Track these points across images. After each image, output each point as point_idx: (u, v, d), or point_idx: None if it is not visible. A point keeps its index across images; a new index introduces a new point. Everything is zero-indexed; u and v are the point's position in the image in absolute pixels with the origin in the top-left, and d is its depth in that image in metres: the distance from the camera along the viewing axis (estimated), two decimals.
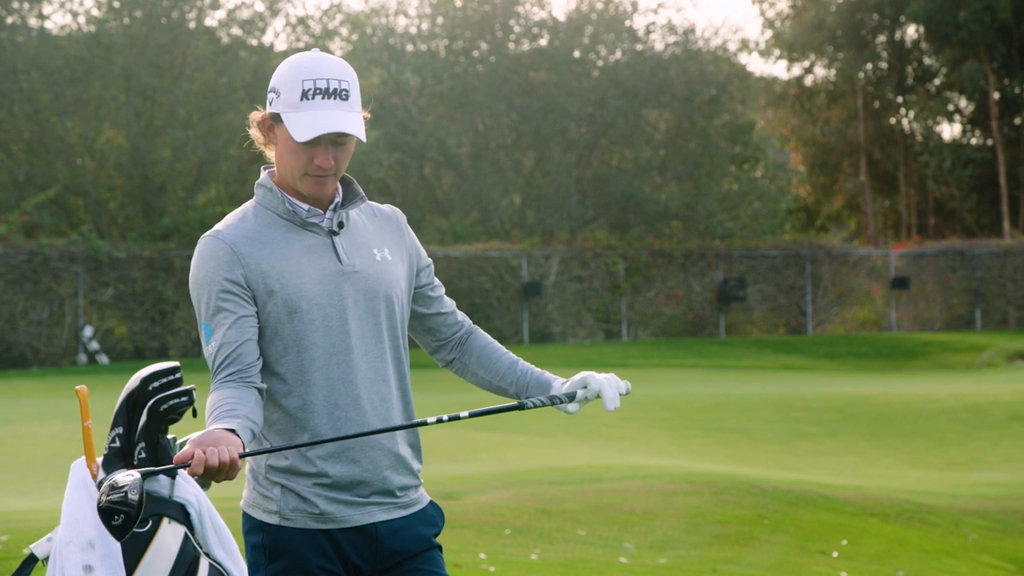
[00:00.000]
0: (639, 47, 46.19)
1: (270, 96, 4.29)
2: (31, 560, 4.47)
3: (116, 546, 4.29)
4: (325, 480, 4.23)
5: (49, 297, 34.55)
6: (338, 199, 4.36)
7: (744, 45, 54.24)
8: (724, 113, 46.81)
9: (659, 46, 46.58)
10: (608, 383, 4.36)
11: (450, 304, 4.55)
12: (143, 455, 4.38)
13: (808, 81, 58.29)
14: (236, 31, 40.12)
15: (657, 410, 21.90)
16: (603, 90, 44.73)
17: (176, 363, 4.48)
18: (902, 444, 19.87)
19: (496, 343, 4.55)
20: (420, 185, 45.99)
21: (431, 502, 4.42)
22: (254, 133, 4.36)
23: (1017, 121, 55.27)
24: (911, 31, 56.60)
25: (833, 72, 57.56)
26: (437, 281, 4.55)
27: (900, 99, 57.05)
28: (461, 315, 4.58)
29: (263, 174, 4.36)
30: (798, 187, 56.34)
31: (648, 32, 46.54)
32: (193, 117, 38.91)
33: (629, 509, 12.72)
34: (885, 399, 23.24)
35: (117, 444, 4.40)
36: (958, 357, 35.83)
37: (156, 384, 4.42)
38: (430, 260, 4.54)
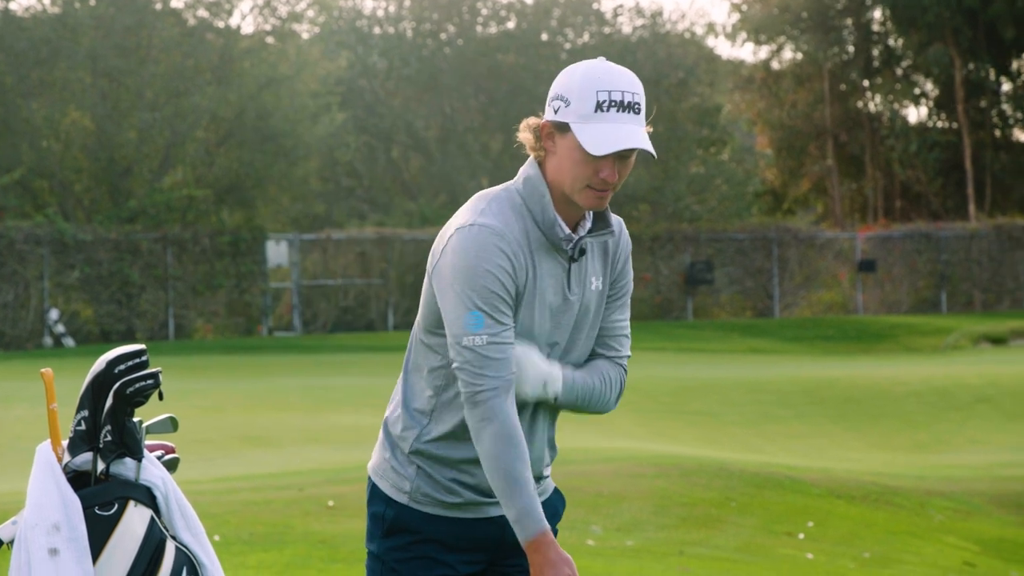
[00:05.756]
0: (607, 30, 46.21)
1: (555, 104, 4.08)
2: None
3: (82, 529, 4.27)
4: (468, 479, 4.20)
5: (14, 280, 34.39)
6: (587, 224, 4.21)
7: (711, 28, 54.29)
8: (691, 96, 46.89)
9: (627, 29, 46.60)
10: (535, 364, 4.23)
11: (619, 328, 4.38)
12: (108, 438, 4.36)
13: (775, 64, 58.38)
14: (202, 13, 39.95)
15: (624, 393, 21.91)
16: None
17: (142, 346, 4.45)
18: (870, 426, 19.95)
19: (601, 383, 4.48)
20: (388, 168, 45.93)
21: (556, 489, 4.43)
22: (526, 137, 4.17)
23: (983, 104, 55.47)
24: (877, 14, 56.72)
25: (799, 55, 57.65)
26: (621, 317, 4.36)
27: (866, 82, 57.19)
28: (622, 349, 4.42)
29: (533, 168, 4.17)
30: (765, 170, 56.47)
31: (616, 15, 46.56)
32: (159, 99, 38.75)
33: (596, 492, 12.73)
34: (852, 382, 23.31)
35: (83, 427, 4.37)
36: (924, 340, 35.98)
37: (122, 367, 4.39)
38: (628, 291, 4.37)
